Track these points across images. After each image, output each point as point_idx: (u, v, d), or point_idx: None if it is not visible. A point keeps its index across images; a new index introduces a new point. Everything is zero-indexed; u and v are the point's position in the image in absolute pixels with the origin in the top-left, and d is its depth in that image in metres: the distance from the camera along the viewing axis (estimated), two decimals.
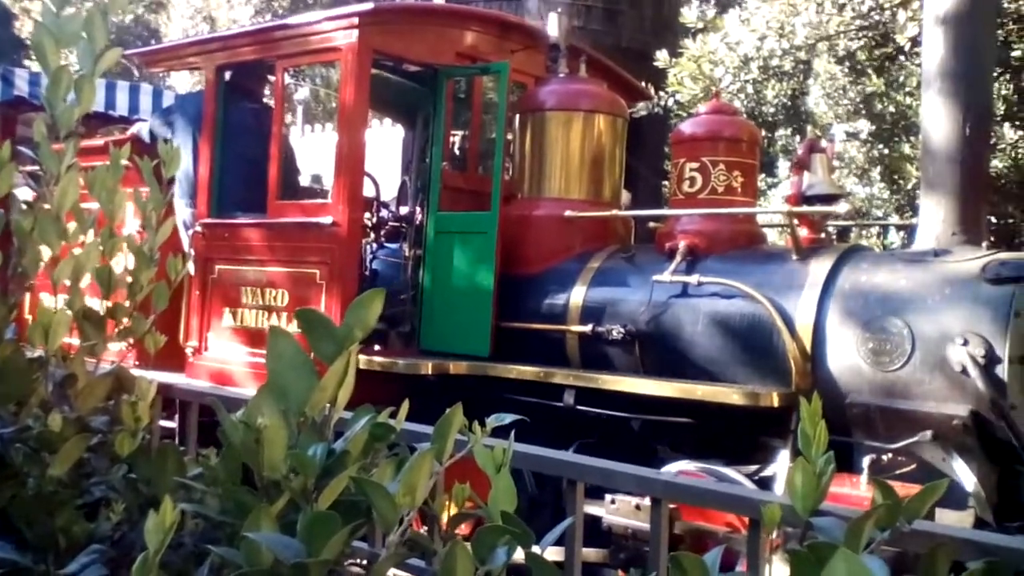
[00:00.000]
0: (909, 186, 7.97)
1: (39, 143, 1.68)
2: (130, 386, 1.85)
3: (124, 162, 1.87)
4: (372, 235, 5.77)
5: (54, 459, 1.53)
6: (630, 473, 2.01)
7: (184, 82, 17.92)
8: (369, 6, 5.21)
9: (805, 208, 4.48)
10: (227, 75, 5.85)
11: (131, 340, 1.96)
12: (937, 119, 4.25)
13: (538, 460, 2.19)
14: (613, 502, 3.97)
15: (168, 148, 1.84)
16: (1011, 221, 7.44)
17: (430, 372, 4.82)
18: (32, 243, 1.72)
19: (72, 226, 1.78)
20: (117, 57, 1.76)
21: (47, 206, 1.70)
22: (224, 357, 5.57)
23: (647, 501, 3.72)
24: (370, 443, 1.40)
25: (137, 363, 4.87)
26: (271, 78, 5.88)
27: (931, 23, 4.33)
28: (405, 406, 1.49)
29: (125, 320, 1.85)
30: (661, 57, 7.96)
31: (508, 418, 1.35)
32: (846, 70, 8.46)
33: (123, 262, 1.92)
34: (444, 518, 1.41)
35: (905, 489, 3.39)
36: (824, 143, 4.72)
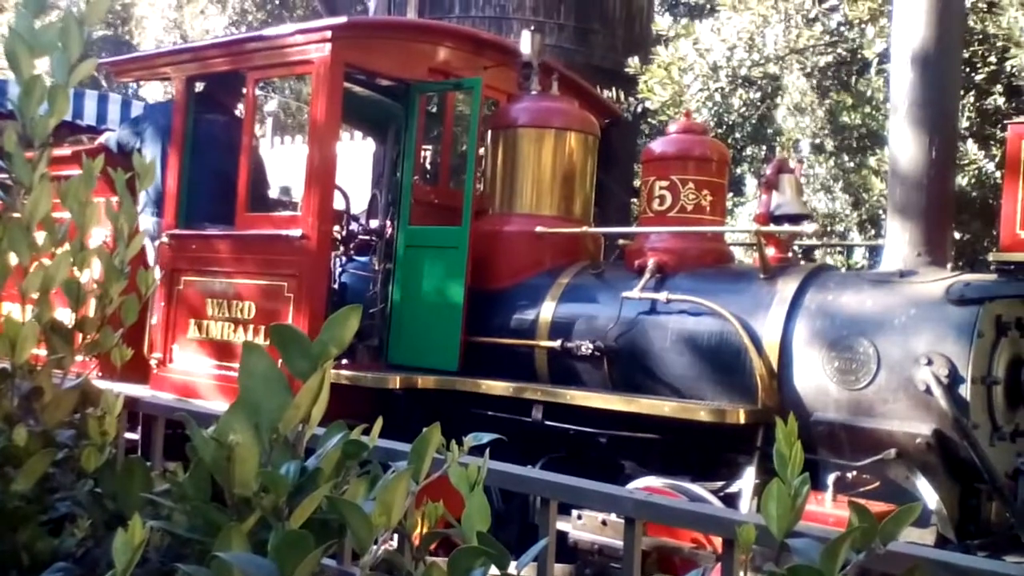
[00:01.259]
0: (873, 199, 8.03)
1: (10, 153, 1.66)
2: (96, 399, 1.82)
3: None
4: (341, 248, 5.75)
5: (18, 474, 1.50)
6: (606, 492, 2.00)
7: (155, 92, 17.74)
8: (342, 20, 5.21)
9: (773, 227, 4.53)
10: (197, 86, 5.82)
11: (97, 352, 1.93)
12: (904, 142, 4.30)
13: (512, 478, 2.18)
14: (580, 517, 3.97)
15: (142, 161, 1.82)
16: (969, 237, 7.54)
17: (398, 386, 4.81)
18: (1, 254, 1.69)
19: (42, 236, 1.76)
20: (92, 68, 1.75)
21: (17, 215, 1.68)
22: (189, 369, 5.51)
23: (614, 517, 3.74)
24: (342, 461, 1.39)
25: (100, 374, 4.82)
26: (242, 90, 5.85)
27: (898, 49, 4.39)
28: (379, 423, 1.48)
29: (93, 333, 1.83)
30: (632, 64, 7.99)
31: (486, 437, 1.35)
32: (814, 85, 8.54)
33: (90, 273, 1.89)
34: (416, 536, 1.40)
35: (870, 507, 3.43)
36: (792, 163, 4.78)
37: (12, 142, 1.70)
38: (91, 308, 1.87)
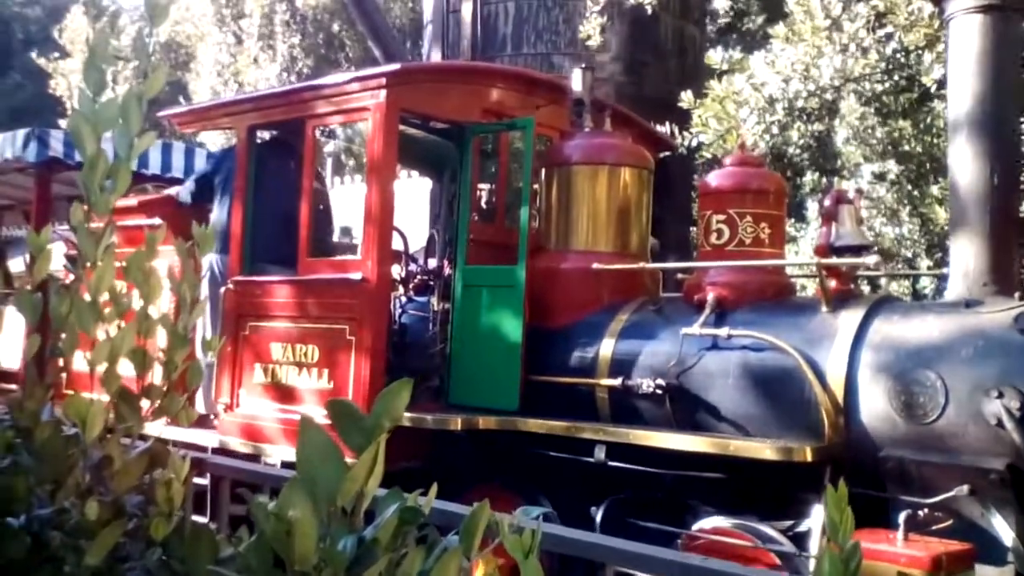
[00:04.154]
0: (938, 228, 7.90)
1: (76, 227, 1.72)
2: (163, 459, 1.86)
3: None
4: (401, 289, 5.81)
5: (90, 547, 1.54)
6: (660, 558, 1.99)
7: (215, 141, 18.11)
8: (396, 67, 5.31)
9: (834, 260, 4.47)
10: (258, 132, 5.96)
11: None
12: (964, 166, 4.23)
13: (569, 543, 2.17)
14: None
15: (201, 231, 1.88)
16: None
17: (459, 427, 4.82)
18: (69, 326, 1.75)
19: (105, 303, 1.81)
20: (152, 141, 1.80)
21: (83, 285, 1.74)
22: (255, 413, 5.60)
23: None
24: (399, 527, 1.40)
25: (168, 422, 4.92)
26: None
27: (955, 71, 4.33)
28: (434, 489, 1.50)
29: (159, 399, 1.88)
30: (686, 98, 7.97)
31: (535, 511, 1.36)
32: (873, 111, 8.43)
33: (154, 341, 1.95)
34: None
35: (944, 546, 3.34)
36: (851, 194, 4.72)
37: (78, 218, 1.76)
38: (156, 374, 1.91)
